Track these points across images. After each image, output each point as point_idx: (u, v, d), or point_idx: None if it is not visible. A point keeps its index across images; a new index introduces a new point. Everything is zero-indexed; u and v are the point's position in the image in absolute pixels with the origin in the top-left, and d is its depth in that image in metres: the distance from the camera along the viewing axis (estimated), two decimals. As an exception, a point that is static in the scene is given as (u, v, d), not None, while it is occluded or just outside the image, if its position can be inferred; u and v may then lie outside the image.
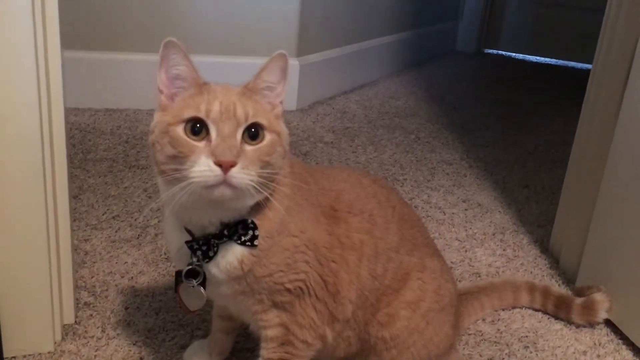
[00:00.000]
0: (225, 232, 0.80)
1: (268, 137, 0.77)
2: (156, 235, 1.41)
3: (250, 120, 0.76)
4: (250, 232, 0.80)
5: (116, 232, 1.42)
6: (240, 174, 0.73)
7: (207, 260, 0.82)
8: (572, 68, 3.92)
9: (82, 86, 2.14)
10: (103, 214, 1.49)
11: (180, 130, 0.75)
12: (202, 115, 0.74)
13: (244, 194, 0.75)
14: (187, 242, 0.82)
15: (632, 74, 1.20)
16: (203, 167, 0.72)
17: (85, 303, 1.16)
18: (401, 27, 3.33)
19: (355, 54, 2.85)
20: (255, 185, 0.74)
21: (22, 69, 0.91)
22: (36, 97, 0.93)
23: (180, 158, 0.74)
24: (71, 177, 1.04)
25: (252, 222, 0.80)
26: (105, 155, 1.83)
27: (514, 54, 4.17)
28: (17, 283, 1.00)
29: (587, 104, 1.40)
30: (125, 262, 1.30)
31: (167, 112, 0.78)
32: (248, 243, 0.80)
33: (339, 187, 0.93)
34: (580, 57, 3.89)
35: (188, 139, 0.74)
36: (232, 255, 0.81)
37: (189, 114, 0.75)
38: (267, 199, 0.78)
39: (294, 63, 2.33)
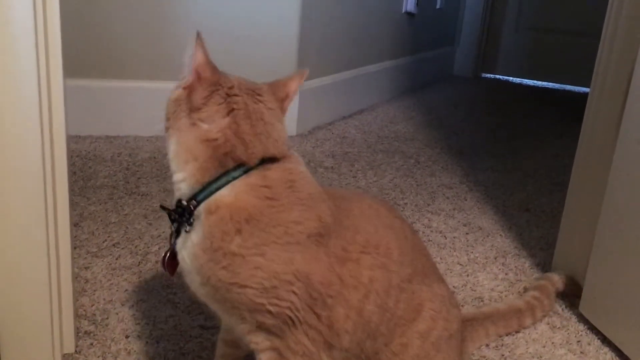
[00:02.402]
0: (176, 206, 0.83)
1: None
2: (157, 262, 1.41)
3: None
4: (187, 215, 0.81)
5: (117, 259, 1.41)
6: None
7: (187, 228, 0.82)
8: (569, 91, 3.95)
9: (82, 114, 2.15)
10: (103, 242, 1.49)
11: None
12: None
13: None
14: (165, 210, 0.84)
15: (630, 97, 1.21)
16: None
17: (86, 332, 1.15)
18: (399, 52, 3.37)
19: (354, 79, 2.88)
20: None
21: (25, 98, 0.91)
22: (38, 125, 0.93)
23: None
24: (72, 204, 1.04)
25: (188, 205, 0.81)
26: (105, 182, 1.83)
27: (510, 78, 4.21)
28: (17, 312, 1.00)
29: (585, 128, 1.41)
30: (126, 290, 1.30)
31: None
32: (186, 226, 0.81)
33: (356, 224, 0.88)
34: (576, 81, 3.93)
35: None
36: (191, 241, 0.81)
37: None
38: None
39: (293, 89, 2.34)
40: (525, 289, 1.39)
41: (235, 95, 0.82)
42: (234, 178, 0.79)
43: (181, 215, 0.81)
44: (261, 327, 0.82)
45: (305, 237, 0.80)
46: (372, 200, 0.98)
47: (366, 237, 0.88)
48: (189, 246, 0.81)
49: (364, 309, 0.86)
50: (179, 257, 0.83)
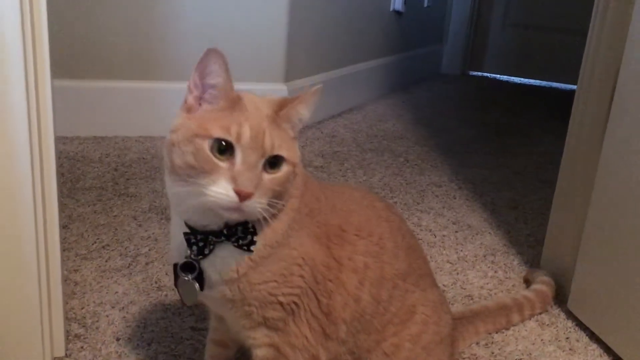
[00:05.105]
0: (225, 231, 0.80)
1: (285, 168, 0.77)
2: (147, 264, 1.40)
3: (275, 152, 0.76)
4: (249, 237, 0.80)
5: (106, 261, 1.40)
6: (254, 204, 0.73)
7: (200, 256, 0.81)
8: (556, 89, 3.98)
9: (70, 114, 2.13)
10: (93, 244, 1.48)
11: (206, 145, 0.74)
12: (232, 139, 0.74)
13: (250, 217, 0.77)
14: (185, 234, 0.81)
15: (617, 94, 1.22)
16: (221, 190, 0.73)
17: (76, 335, 1.15)
18: (387, 51, 3.37)
19: (343, 78, 2.88)
20: (263, 213, 0.75)
21: (13, 100, 0.91)
22: (27, 127, 0.93)
23: (200, 172, 0.74)
24: (60, 206, 1.04)
25: (253, 227, 0.80)
26: (94, 183, 1.82)
27: (498, 76, 4.23)
28: (7, 316, 0.99)
29: (573, 125, 1.42)
30: (116, 292, 1.29)
31: (192, 116, 0.77)
32: (245, 247, 0.80)
33: (350, 208, 0.92)
34: (563, 78, 3.95)
35: (213, 157, 0.74)
36: (231, 257, 0.81)
37: (218, 133, 0.74)
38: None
39: (282, 88, 2.34)
40: (526, 281, 1.40)
41: None
42: None
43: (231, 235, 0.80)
44: (264, 323, 0.85)
45: (308, 217, 0.85)
46: (366, 192, 1.00)
47: (359, 222, 0.91)
48: (228, 260, 0.81)
49: (361, 297, 0.88)
50: (206, 274, 0.82)
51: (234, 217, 0.76)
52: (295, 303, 0.84)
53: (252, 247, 0.80)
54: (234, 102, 0.77)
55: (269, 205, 0.76)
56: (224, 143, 0.74)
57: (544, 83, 4.10)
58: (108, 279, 1.34)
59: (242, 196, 0.72)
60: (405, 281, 0.93)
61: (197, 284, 0.83)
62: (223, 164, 0.73)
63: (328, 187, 0.96)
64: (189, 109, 0.79)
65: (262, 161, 0.75)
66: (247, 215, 0.75)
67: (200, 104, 0.78)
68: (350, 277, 0.87)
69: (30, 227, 0.96)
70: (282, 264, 0.83)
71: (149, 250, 1.46)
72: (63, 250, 1.35)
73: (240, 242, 0.79)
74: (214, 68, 0.76)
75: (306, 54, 2.57)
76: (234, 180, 0.73)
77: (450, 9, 4.20)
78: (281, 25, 2.35)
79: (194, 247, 0.81)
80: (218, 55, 0.75)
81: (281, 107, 0.79)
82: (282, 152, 0.77)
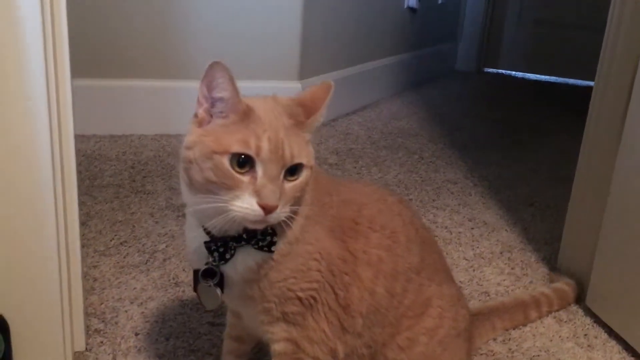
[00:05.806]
0: (244, 235, 0.80)
1: (304, 174, 0.78)
2: (164, 260, 1.42)
3: (295, 161, 0.76)
4: (268, 238, 0.80)
5: (124, 257, 1.42)
6: (278, 214, 0.75)
7: (223, 262, 0.82)
8: (572, 85, 3.95)
9: (87, 113, 2.15)
10: (111, 240, 1.49)
11: (226, 161, 0.74)
12: (252, 153, 0.74)
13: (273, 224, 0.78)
14: (205, 243, 0.82)
15: (635, 90, 1.21)
16: (246, 205, 0.73)
17: (96, 330, 1.16)
18: (401, 48, 3.37)
19: (357, 75, 2.88)
20: (286, 219, 0.77)
21: (34, 99, 0.92)
22: (47, 126, 0.94)
23: (221, 187, 0.74)
24: (79, 203, 1.05)
25: (272, 229, 0.80)
26: (111, 181, 1.84)
27: (513, 73, 4.21)
28: (28, 311, 1.00)
29: (590, 121, 1.41)
30: (134, 288, 1.30)
31: (207, 132, 0.77)
32: (265, 249, 0.81)
33: (361, 201, 0.93)
34: (580, 75, 3.92)
35: (234, 172, 0.74)
36: (252, 259, 0.82)
37: (237, 148, 0.74)
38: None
39: (296, 86, 2.35)
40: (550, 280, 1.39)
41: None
42: None
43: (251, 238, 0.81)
44: (283, 318, 0.86)
45: (322, 211, 0.86)
46: (378, 187, 1.02)
47: (371, 215, 0.92)
48: (249, 263, 0.82)
49: (375, 291, 0.89)
50: (227, 276, 0.84)
51: (260, 227, 0.77)
52: (313, 297, 0.85)
53: (272, 248, 0.81)
54: (245, 114, 0.76)
55: (290, 211, 0.77)
56: (243, 157, 0.74)
57: (559, 79, 4.07)
58: (126, 275, 1.35)
59: (267, 210, 0.73)
60: (419, 275, 0.93)
61: (219, 289, 0.84)
62: (244, 178, 0.74)
63: (338, 181, 0.98)
64: (200, 122, 0.78)
65: (283, 172, 0.76)
66: (271, 224, 0.77)
67: (211, 116, 0.78)
68: (366, 270, 0.88)
69: (51, 224, 0.98)
70: (299, 260, 0.84)
71: (166, 246, 1.47)
72: (82, 246, 1.37)
73: (261, 244, 0.81)
74: (220, 82, 0.76)
75: (320, 52, 2.57)
76: (257, 194, 0.73)
77: (465, 6, 4.18)
78: (295, 23, 2.36)
79: (215, 254, 0.82)
80: (222, 68, 0.75)
81: (295, 112, 0.79)
82: (302, 160, 0.77)
